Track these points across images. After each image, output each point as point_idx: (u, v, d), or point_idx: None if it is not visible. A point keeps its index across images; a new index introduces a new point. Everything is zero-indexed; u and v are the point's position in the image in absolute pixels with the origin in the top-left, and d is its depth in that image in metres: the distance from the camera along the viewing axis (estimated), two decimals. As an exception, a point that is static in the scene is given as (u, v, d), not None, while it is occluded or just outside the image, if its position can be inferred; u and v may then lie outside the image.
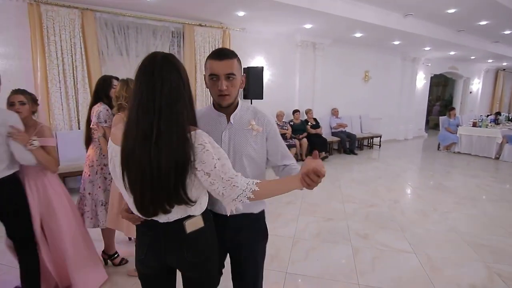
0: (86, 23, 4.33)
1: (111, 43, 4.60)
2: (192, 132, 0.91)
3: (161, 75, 0.88)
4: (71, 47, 4.28)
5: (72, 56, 4.31)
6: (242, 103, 1.28)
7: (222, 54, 1.14)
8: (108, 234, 2.43)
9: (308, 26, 5.62)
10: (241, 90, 5.43)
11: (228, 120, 1.23)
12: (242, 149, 1.23)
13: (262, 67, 5.70)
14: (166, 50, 5.02)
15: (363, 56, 7.89)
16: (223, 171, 0.93)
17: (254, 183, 0.97)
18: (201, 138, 0.92)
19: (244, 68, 5.68)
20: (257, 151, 1.25)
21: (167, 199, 0.91)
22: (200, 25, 5.23)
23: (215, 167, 0.92)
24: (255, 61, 6.01)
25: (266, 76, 6.15)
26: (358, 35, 6.39)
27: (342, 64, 7.51)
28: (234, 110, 1.24)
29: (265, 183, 0.99)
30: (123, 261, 2.49)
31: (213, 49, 4.66)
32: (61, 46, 4.21)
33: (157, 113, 0.88)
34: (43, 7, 4.05)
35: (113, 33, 4.59)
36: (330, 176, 5.21)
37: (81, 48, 4.33)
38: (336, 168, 5.76)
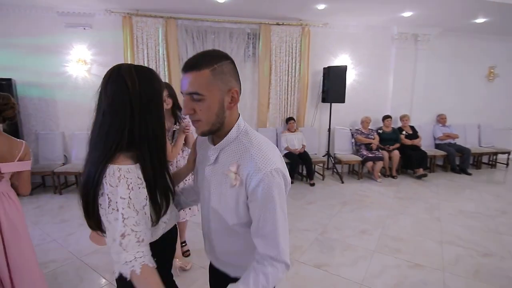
0: (169, 30, 4.57)
1: (190, 48, 4.74)
2: (111, 166, 0.78)
3: (106, 90, 0.84)
4: (156, 54, 4.59)
5: (156, 62, 4.61)
6: (241, 132, 0.86)
7: (189, 64, 0.78)
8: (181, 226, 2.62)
9: (407, 14, 4.60)
10: (315, 94, 4.76)
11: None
12: (210, 198, 0.89)
13: (346, 66, 4.98)
14: (241, 53, 4.90)
15: (487, 48, 6.09)
16: (114, 226, 0.78)
17: (141, 264, 0.77)
18: (109, 178, 0.78)
19: (324, 68, 5.09)
20: (231, 211, 0.83)
21: (85, 217, 0.86)
22: (278, 24, 4.90)
23: (106, 216, 0.79)
24: (339, 60, 5.31)
25: (351, 76, 5.37)
26: (480, 20, 4.91)
27: (455, 59, 5.97)
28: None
29: (152, 277, 0.79)
30: (187, 253, 2.64)
31: (291, 49, 4.12)
32: (147, 53, 4.55)
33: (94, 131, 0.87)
34: (134, 18, 4.44)
35: (192, 39, 4.72)
36: (427, 201, 4.11)
37: (163, 54, 4.59)
38: (438, 192, 4.54)
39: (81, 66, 4.50)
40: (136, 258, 0.77)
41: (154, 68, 4.57)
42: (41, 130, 4.60)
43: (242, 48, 4.91)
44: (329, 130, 5.28)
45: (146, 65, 4.50)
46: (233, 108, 0.83)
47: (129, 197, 0.78)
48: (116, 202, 0.77)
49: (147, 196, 0.83)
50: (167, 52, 4.63)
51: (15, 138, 1.71)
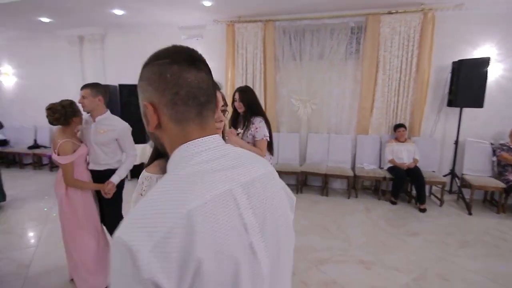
0: (267, 33, 4.58)
1: (287, 50, 4.61)
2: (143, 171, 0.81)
3: None
4: (253, 57, 4.69)
5: (253, 65, 4.71)
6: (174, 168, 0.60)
7: None
8: None
9: None
10: (438, 96, 3.77)
11: None
12: None
13: (488, 59, 3.70)
14: (342, 50, 4.43)
15: None
16: None
17: None
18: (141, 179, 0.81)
19: (453, 63, 3.99)
20: None
21: None
22: (390, 12, 4.12)
23: None
24: (478, 51, 4.00)
25: (496, 72, 3.96)
26: None
27: None
28: None
29: None
30: None
31: (407, 41, 4.26)
32: (246, 57, 4.71)
33: None
34: (236, 25, 4.68)
35: (290, 39, 4.57)
36: None
37: (260, 57, 4.64)
38: None
39: (193, 72, 5.10)
40: None
41: (251, 71, 4.69)
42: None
43: (344, 45, 4.39)
44: (456, 142, 4.06)
45: (243, 69, 4.72)
46: (163, 127, 0.59)
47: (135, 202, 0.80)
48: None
49: None
50: (264, 55, 4.66)
51: (61, 139, 2.03)
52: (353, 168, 4.49)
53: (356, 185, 4.37)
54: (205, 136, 0.58)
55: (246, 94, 2.35)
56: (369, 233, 3.20)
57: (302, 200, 4.13)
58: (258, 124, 2.26)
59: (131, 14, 4.54)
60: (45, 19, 4.75)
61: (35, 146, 5.84)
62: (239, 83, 4.77)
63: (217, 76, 4.78)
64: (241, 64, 4.74)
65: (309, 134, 4.72)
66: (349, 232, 3.21)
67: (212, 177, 0.53)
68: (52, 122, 2.01)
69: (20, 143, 5.97)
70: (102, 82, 5.20)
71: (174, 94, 0.56)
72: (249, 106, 2.34)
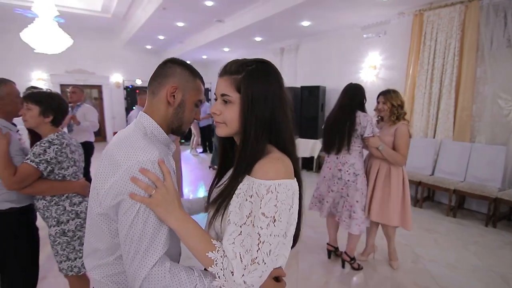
0: (468, 17, 3.65)
1: (498, 34, 3.45)
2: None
3: None
4: (445, 49, 3.89)
5: (443, 59, 3.92)
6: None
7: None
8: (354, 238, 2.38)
9: None
10: None
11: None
12: None
13: None
14: None
15: None
16: None
17: None
18: None
19: None
20: None
21: None
22: None
23: None
24: None
25: None
26: None
27: None
28: None
29: None
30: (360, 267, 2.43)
31: None
32: (434, 50, 4.00)
33: None
34: (426, 14, 4.05)
35: (504, 19, 3.39)
36: None
37: (455, 48, 3.77)
38: None
39: (371, 71, 4.93)
40: None
41: (440, 66, 4.02)
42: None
43: None
44: None
45: (429, 64, 4.11)
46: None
47: None
48: None
49: None
50: (461, 45, 3.73)
51: None
52: None
53: None
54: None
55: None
56: None
57: (491, 237, 3.07)
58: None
59: (316, 23, 5.04)
60: (258, 38, 6.24)
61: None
62: (423, 81, 4.12)
63: (396, 74, 4.45)
64: (427, 58, 4.06)
65: (524, 149, 3.35)
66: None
67: None
68: None
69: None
70: (293, 85, 6.13)
71: None
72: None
